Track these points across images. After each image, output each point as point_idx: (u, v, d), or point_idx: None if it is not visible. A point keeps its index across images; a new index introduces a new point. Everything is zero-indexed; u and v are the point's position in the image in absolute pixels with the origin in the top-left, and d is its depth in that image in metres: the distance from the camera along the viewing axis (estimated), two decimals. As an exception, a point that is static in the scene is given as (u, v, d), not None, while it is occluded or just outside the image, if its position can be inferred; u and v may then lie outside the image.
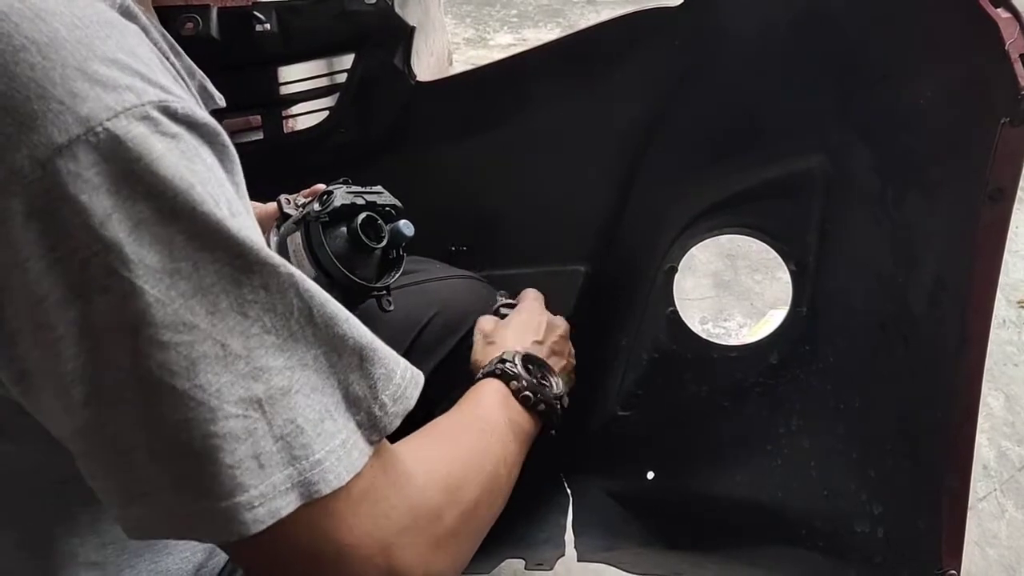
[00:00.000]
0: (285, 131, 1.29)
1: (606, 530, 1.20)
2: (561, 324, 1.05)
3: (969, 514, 0.86)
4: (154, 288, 0.43)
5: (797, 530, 1.06)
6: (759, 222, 1.11)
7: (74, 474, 0.48)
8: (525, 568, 1.18)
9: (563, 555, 1.19)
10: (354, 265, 0.93)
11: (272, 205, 1.01)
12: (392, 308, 0.99)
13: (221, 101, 0.67)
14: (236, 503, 0.46)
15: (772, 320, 1.88)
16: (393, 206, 0.98)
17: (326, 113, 1.28)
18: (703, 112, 1.10)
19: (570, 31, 1.19)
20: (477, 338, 1.01)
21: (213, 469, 0.46)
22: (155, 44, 0.52)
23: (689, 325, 1.18)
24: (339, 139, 1.26)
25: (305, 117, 1.32)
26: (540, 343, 0.98)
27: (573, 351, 1.06)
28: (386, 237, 0.95)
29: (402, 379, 0.56)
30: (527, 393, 0.85)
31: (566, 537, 1.20)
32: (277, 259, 0.48)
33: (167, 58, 0.53)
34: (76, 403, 0.45)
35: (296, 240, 0.94)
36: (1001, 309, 2.10)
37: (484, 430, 0.75)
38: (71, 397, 0.45)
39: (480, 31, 4.23)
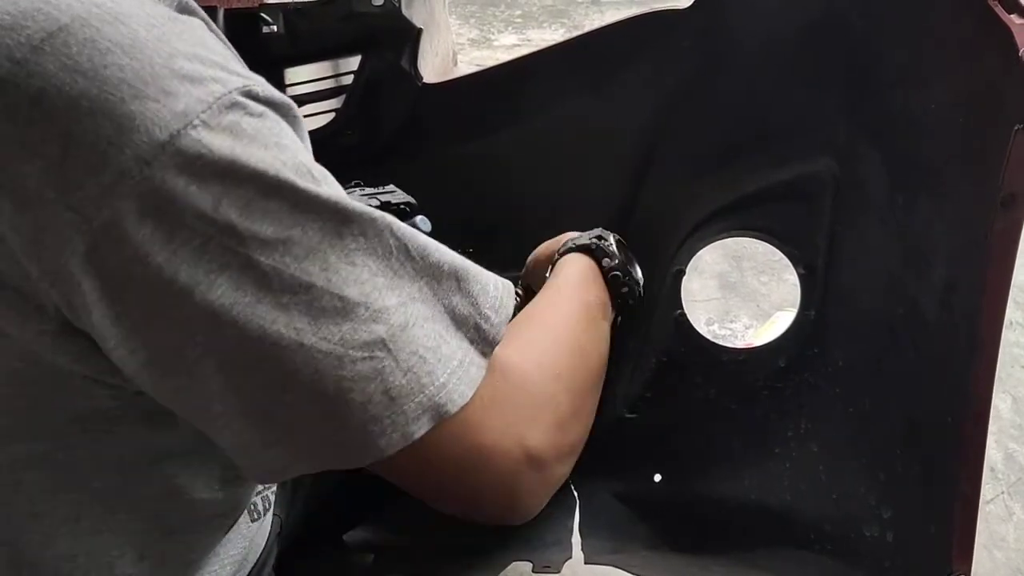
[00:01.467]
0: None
1: (613, 532, 1.19)
2: None
3: (977, 517, 0.86)
4: (269, 258, 0.47)
5: (806, 534, 1.05)
6: (768, 225, 1.11)
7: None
8: (532, 571, 1.18)
9: (570, 557, 1.18)
10: None
11: None
12: None
13: None
14: (371, 432, 0.51)
15: (778, 322, 1.88)
16: (407, 203, 0.99)
17: (332, 115, 1.28)
18: (711, 114, 1.10)
19: (575, 32, 1.19)
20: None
21: (348, 409, 0.51)
22: (217, 35, 0.53)
23: (696, 327, 1.18)
24: (345, 141, 1.26)
25: (311, 118, 1.32)
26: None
27: None
28: None
29: (496, 289, 0.61)
30: (617, 273, 0.90)
31: (573, 539, 1.20)
32: (365, 207, 0.52)
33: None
34: (208, 373, 0.48)
35: None
36: (1009, 311, 2.09)
37: (579, 313, 0.82)
38: (203, 369, 0.48)
39: (484, 32, 4.23)
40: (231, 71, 0.48)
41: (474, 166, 1.24)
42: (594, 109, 1.16)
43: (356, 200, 0.94)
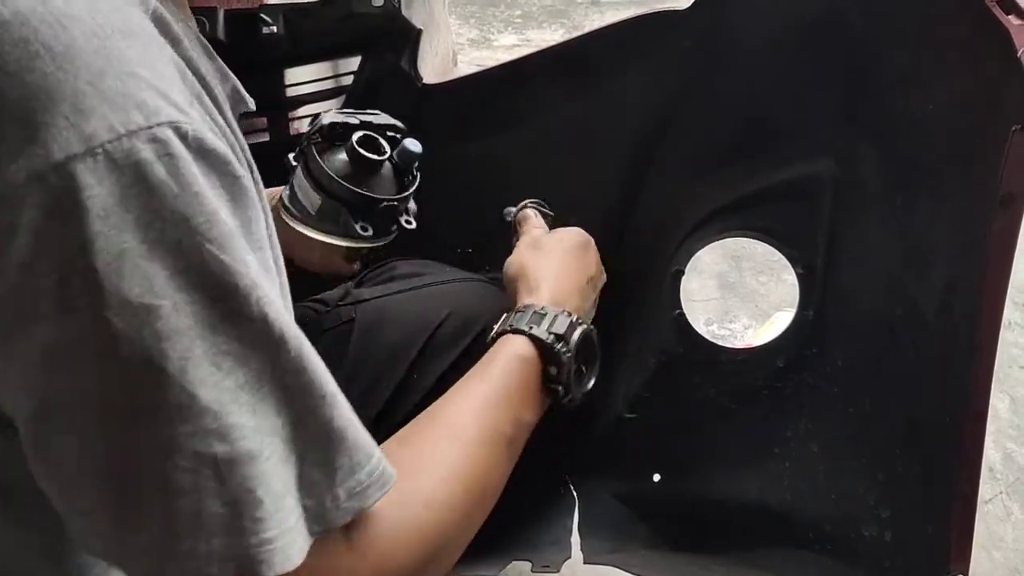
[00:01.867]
0: (291, 133, 1.29)
1: (612, 532, 1.20)
2: (602, 271, 0.95)
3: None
4: (122, 322, 0.41)
5: (805, 533, 1.05)
6: (767, 225, 1.11)
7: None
8: (532, 570, 1.18)
9: (569, 557, 1.19)
10: (361, 182, 0.89)
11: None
12: (414, 225, 0.96)
13: (251, 104, 0.66)
14: (164, 550, 0.44)
15: (777, 322, 1.88)
16: (393, 126, 0.96)
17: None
18: (711, 115, 1.10)
19: (575, 32, 1.19)
20: (522, 242, 0.92)
21: (150, 508, 0.43)
22: (185, 55, 0.50)
23: (695, 327, 1.18)
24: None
25: (310, 119, 1.32)
26: (586, 300, 0.87)
27: (602, 272, 0.97)
28: (391, 155, 0.93)
29: (368, 476, 0.51)
30: (557, 387, 0.74)
31: (572, 539, 1.20)
32: (269, 309, 0.45)
33: (196, 70, 0.51)
34: (27, 415, 0.43)
35: (298, 174, 0.92)
36: (1007, 311, 2.10)
37: (496, 447, 0.66)
38: (22, 408, 0.43)
39: (484, 32, 4.23)
40: (169, 101, 0.43)
41: (474, 166, 1.24)
42: (594, 109, 1.16)
43: (331, 117, 0.90)
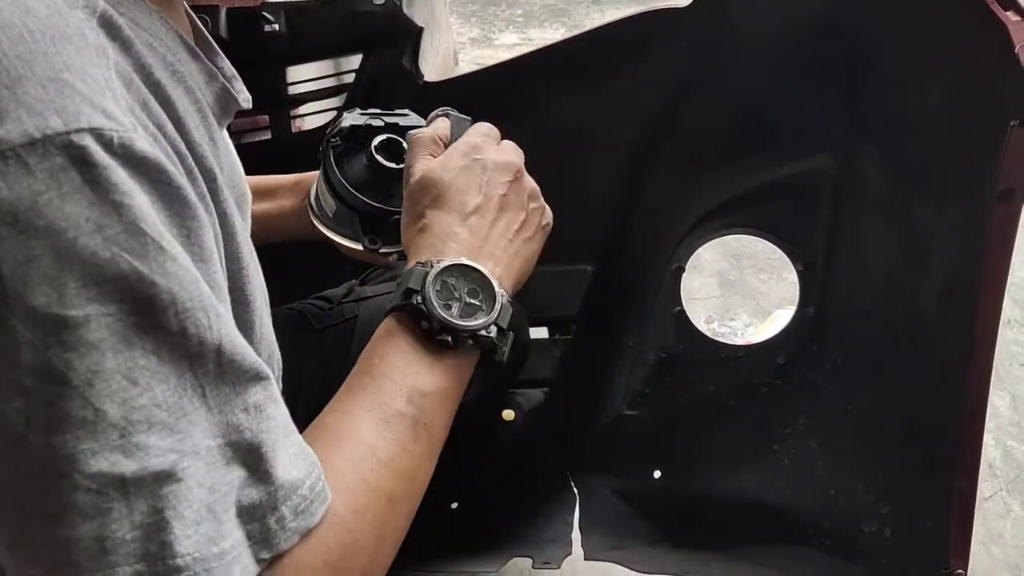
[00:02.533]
0: (292, 131, 1.29)
1: (613, 529, 1.20)
2: (508, 161, 0.76)
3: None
4: (28, 330, 0.39)
5: (804, 529, 1.06)
6: (767, 222, 1.12)
7: None
8: (532, 567, 1.19)
9: (570, 554, 1.19)
10: (377, 191, 0.85)
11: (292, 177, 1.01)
12: None
13: (246, 103, 0.65)
14: None
15: (777, 320, 1.88)
16: (420, 128, 0.88)
17: (334, 113, 1.28)
18: (711, 112, 1.10)
19: (576, 31, 1.19)
20: (412, 189, 0.74)
21: (48, 537, 0.40)
22: (139, 60, 0.48)
23: (696, 325, 1.18)
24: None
25: (312, 117, 1.32)
26: (478, 209, 0.71)
27: (533, 186, 0.78)
28: None
29: (310, 491, 0.48)
30: (443, 337, 0.64)
31: (573, 536, 1.21)
32: (189, 323, 0.43)
33: (149, 75, 0.49)
34: None
35: (319, 175, 0.90)
36: (1007, 309, 2.10)
37: (395, 439, 0.58)
38: None
39: (485, 31, 4.23)
40: (95, 106, 0.41)
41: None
42: (594, 107, 1.16)
43: (352, 119, 0.85)
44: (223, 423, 0.45)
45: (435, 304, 0.63)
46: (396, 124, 0.88)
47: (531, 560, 1.19)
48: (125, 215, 0.41)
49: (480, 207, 0.72)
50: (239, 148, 1.24)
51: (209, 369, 0.44)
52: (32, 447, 0.40)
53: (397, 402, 0.60)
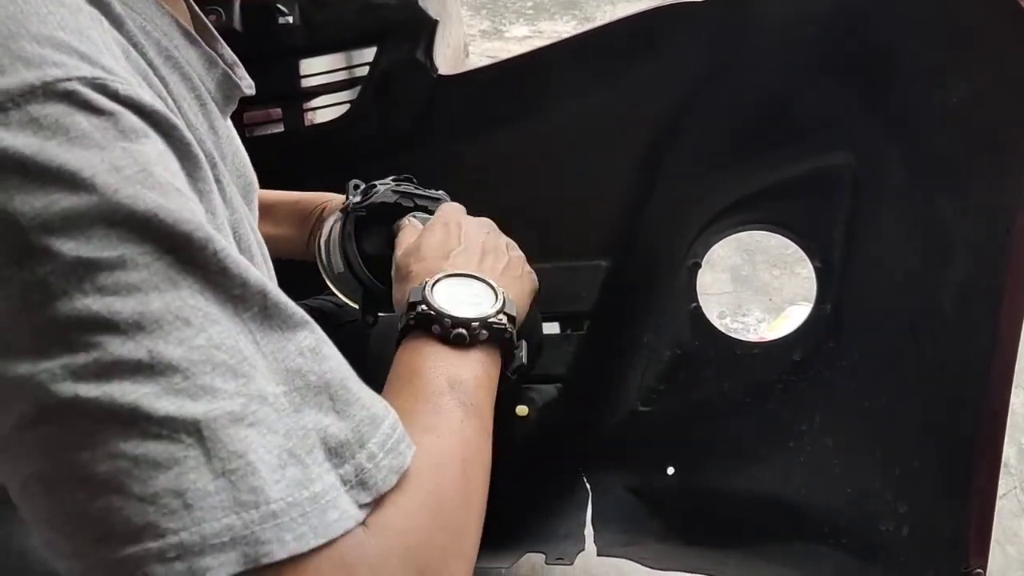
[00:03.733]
0: (306, 124, 1.29)
1: (626, 525, 1.20)
2: (484, 222, 0.83)
3: (990, 512, 0.86)
4: (60, 280, 0.36)
5: (820, 528, 1.05)
6: (784, 218, 1.11)
7: None
8: (545, 562, 1.19)
9: (583, 550, 1.19)
10: (389, 270, 0.84)
11: (312, 196, 0.99)
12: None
13: (249, 89, 0.64)
14: (143, 551, 0.35)
15: (791, 316, 1.87)
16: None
17: (347, 106, 1.27)
18: (728, 107, 1.09)
19: (587, 23, 1.18)
20: (397, 263, 0.78)
21: (118, 502, 0.36)
22: (132, 39, 0.47)
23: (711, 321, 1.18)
24: (360, 133, 1.26)
25: (324, 110, 1.32)
26: (464, 250, 0.75)
27: (514, 244, 0.83)
28: None
29: (392, 428, 0.45)
30: (458, 331, 0.63)
31: (586, 532, 1.20)
32: (229, 262, 0.40)
33: (144, 54, 0.48)
34: None
35: (333, 226, 0.89)
36: None
37: (435, 446, 0.54)
38: None
39: (496, 23, 4.21)
40: (93, 62, 0.39)
41: (489, 158, 1.23)
42: (609, 102, 1.16)
43: (384, 195, 0.86)
44: (282, 370, 0.41)
45: (442, 306, 0.64)
46: (426, 207, 0.88)
47: (544, 556, 1.19)
48: (139, 157, 0.39)
49: (463, 251, 0.75)
50: (252, 140, 1.25)
51: (255, 313, 0.41)
52: (85, 404, 0.36)
53: (439, 387, 0.59)
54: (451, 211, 0.83)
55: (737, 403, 1.16)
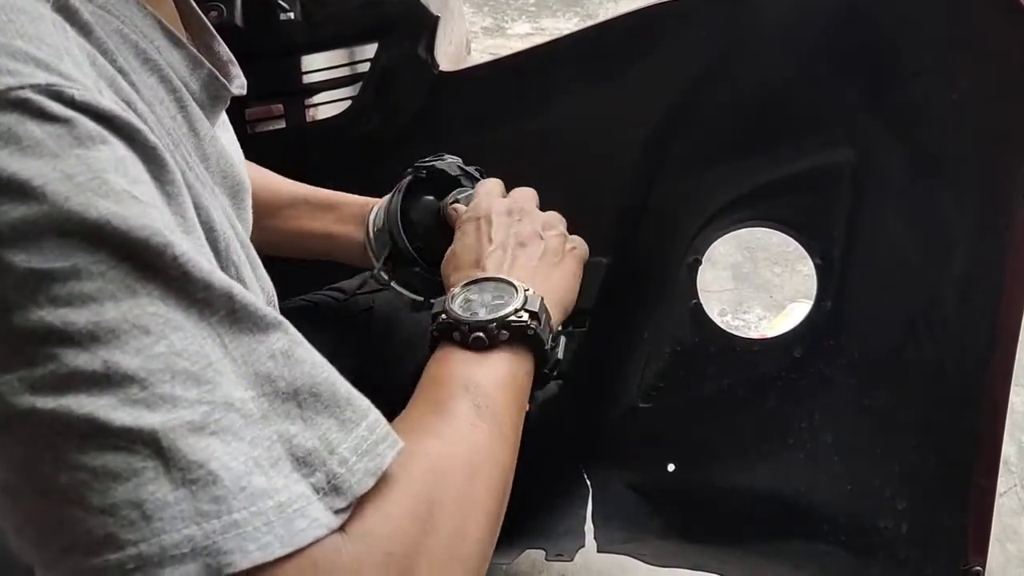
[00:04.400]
0: (307, 120, 1.29)
1: (626, 522, 1.20)
2: (507, 206, 0.81)
3: (990, 510, 0.86)
4: (14, 292, 0.36)
5: (819, 525, 1.05)
6: (784, 215, 1.11)
7: None
8: (545, 559, 1.19)
9: (583, 546, 1.19)
10: (429, 238, 0.86)
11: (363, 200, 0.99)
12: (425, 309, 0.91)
13: (240, 89, 0.64)
14: (103, 563, 0.35)
15: (792, 313, 1.87)
16: (457, 178, 0.92)
17: (348, 103, 1.27)
18: (729, 104, 1.09)
19: (589, 20, 1.19)
20: (442, 273, 0.79)
21: (79, 514, 0.36)
22: (101, 46, 0.46)
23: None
24: (361, 129, 1.26)
25: (326, 106, 1.32)
26: (483, 257, 0.74)
27: (554, 219, 0.83)
28: None
29: (369, 431, 0.44)
30: (477, 335, 0.63)
31: (586, 528, 1.20)
32: (190, 267, 0.39)
33: (114, 60, 0.47)
34: None
35: (393, 198, 0.90)
36: None
37: (436, 450, 0.53)
38: None
39: (498, 20, 4.21)
40: (50, 69, 0.39)
41: (490, 154, 1.23)
42: (610, 98, 1.16)
43: (452, 168, 0.88)
44: (251, 374, 0.41)
45: (459, 313, 0.65)
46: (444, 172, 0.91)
47: (544, 552, 1.19)
48: (94, 164, 0.38)
49: (494, 252, 0.74)
50: (253, 137, 1.25)
51: (222, 316, 0.41)
52: (43, 416, 0.36)
53: (454, 392, 0.59)
54: (485, 199, 0.82)
55: (737, 400, 1.16)
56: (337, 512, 0.41)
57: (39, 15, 0.42)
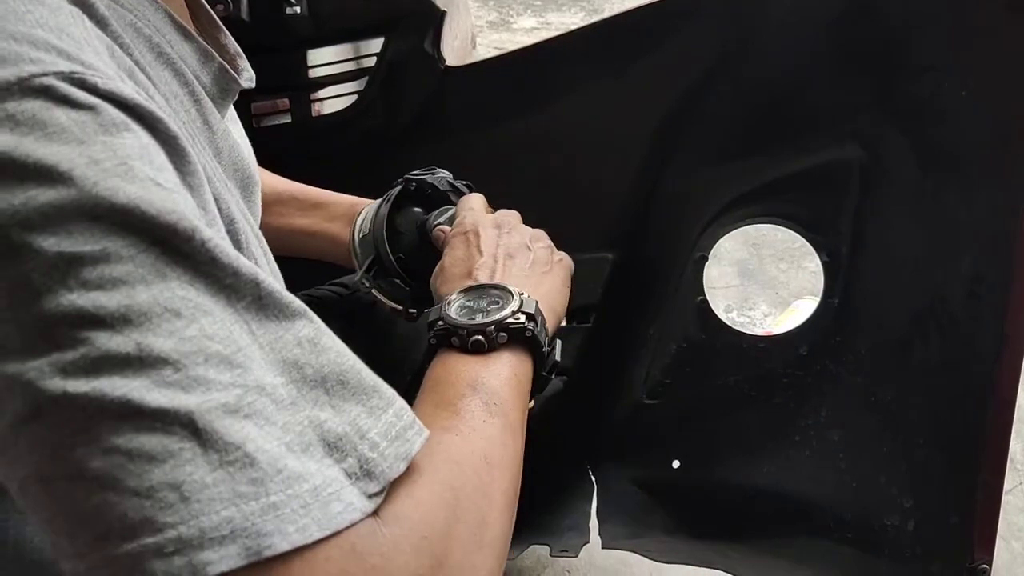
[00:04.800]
0: (313, 114, 1.29)
1: (631, 518, 1.20)
2: (495, 221, 0.82)
3: (996, 508, 0.86)
4: (44, 276, 0.36)
5: (825, 522, 1.05)
6: (792, 211, 1.10)
7: None
8: (550, 555, 1.19)
9: (588, 542, 1.19)
10: (413, 251, 0.87)
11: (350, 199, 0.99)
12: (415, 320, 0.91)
13: (249, 83, 0.64)
14: (141, 547, 0.35)
15: (798, 310, 1.87)
16: (446, 193, 0.92)
17: (355, 97, 1.27)
18: (736, 100, 1.09)
19: (594, 15, 1.19)
20: (432, 288, 0.79)
21: (113, 498, 0.35)
22: (119, 40, 0.47)
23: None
24: (367, 123, 1.26)
25: (332, 101, 1.32)
26: (474, 268, 0.75)
27: (539, 233, 0.84)
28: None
29: (397, 417, 0.44)
30: (476, 338, 0.63)
31: (591, 524, 1.20)
32: (218, 252, 0.40)
33: (131, 53, 0.48)
34: None
35: (380, 207, 0.90)
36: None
37: (454, 443, 0.54)
38: None
39: (503, 14, 4.21)
40: (72, 58, 0.39)
41: (496, 149, 1.24)
42: (617, 93, 1.16)
43: (441, 183, 0.88)
44: (279, 360, 0.41)
45: (457, 318, 0.65)
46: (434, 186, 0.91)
47: (549, 548, 1.19)
48: (119, 150, 0.38)
49: (484, 263, 0.75)
50: (259, 131, 1.25)
51: (249, 302, 0.41)
52: (75, 400, 0.35)
53: (461, 391, 0.59)
54: (471, 215, 0.83)
55: (743, 397, 1.16)
56: (371, 496, 0.41)
57: (58, 6, 0.42)
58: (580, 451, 1.25)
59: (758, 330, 2.01)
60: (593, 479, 1.23)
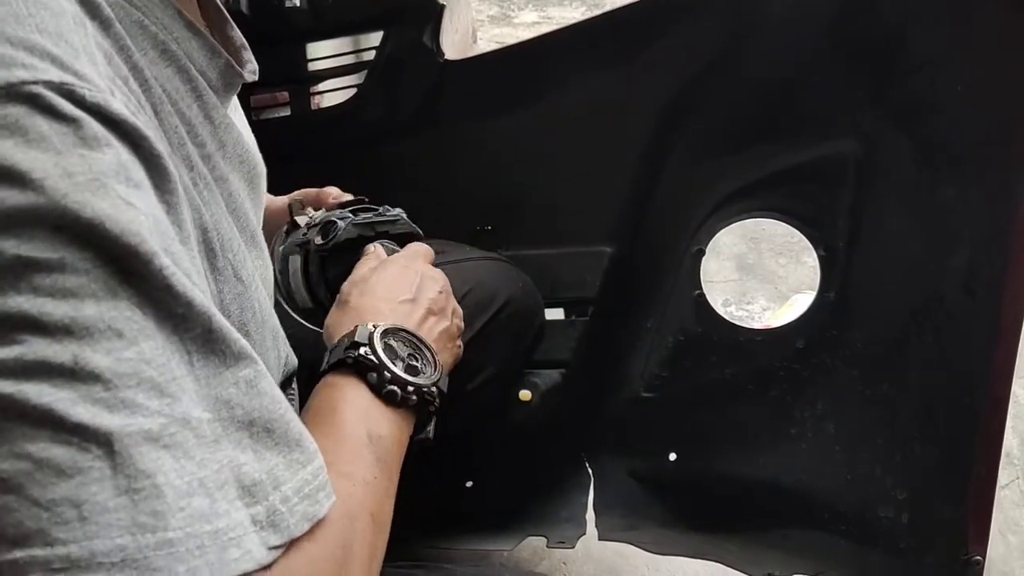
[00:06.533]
0: (312, 108, 1.29)
1: (627, 510, 1.21)
2: (440, 277, 0.81)
3: (991, 502, 0.86)
4: None
5: (820, 514, 1.06)
6: (789, 206, 1.11)
7: None
8: (547, 546, 1.20)
9: (584, 534, 1.20)
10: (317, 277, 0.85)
11: (284, 200, 0.95)
12: None
13: (252, 75, 0.64)
14: (29, 557, 0.35)
15: (796, 304, 1.87)
16: (412, 234, 0.91)
17: (354, 90, 1.27)
18: (735, 94, 1.09)
19: (595, 9, 1.19)
20: (342, 288, 0.78)
21: (14, 503, 0.35)
22: (120, 41, 0.47)
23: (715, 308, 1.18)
24: (366, 117, 1.26)
25: (331, 94, 1.32)
26: (411, 301, 0.74)
27: (460, 310, 0.83)
28: None
29: (313, 476, 0.44)
30: (392, 388, 0.62)
31: (587, 516, 1.21)
32: (175, 281, 0.40)
33: (129, 56, 0.48)
34: None
35: (296, 264, 0.87)
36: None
37: (350, 494, 0.52)
38: None
39: (504, 8, 4.20)
40: (65, 67, 0.39)
41: (495, 143, 1.24)
42: (616, 88, 1.16)
43: (346, 232, 0.83)
44: (212, 396, 0.41)
45: (384, 357, 0.63)
46: (387, 232, 0.88)
47: (545, 539, 1.20)
48: (95, 165, 0.38)
49: (411, 302, 0.74)
50: (258, 124, 1.25)
51: (196, 335, 0.41)
52: (1, 399, 0.35)
53: (359, 436, 0.59)
54: (416, 255, 0.83)
55: (740, 390, 1.17)
56: (270, 549, 0.41)
57: (61, 10, 0.42)
58: (577, 443, 1.25)
59: (756, 324, 2.01)
60: (590, 471, 1.24)
